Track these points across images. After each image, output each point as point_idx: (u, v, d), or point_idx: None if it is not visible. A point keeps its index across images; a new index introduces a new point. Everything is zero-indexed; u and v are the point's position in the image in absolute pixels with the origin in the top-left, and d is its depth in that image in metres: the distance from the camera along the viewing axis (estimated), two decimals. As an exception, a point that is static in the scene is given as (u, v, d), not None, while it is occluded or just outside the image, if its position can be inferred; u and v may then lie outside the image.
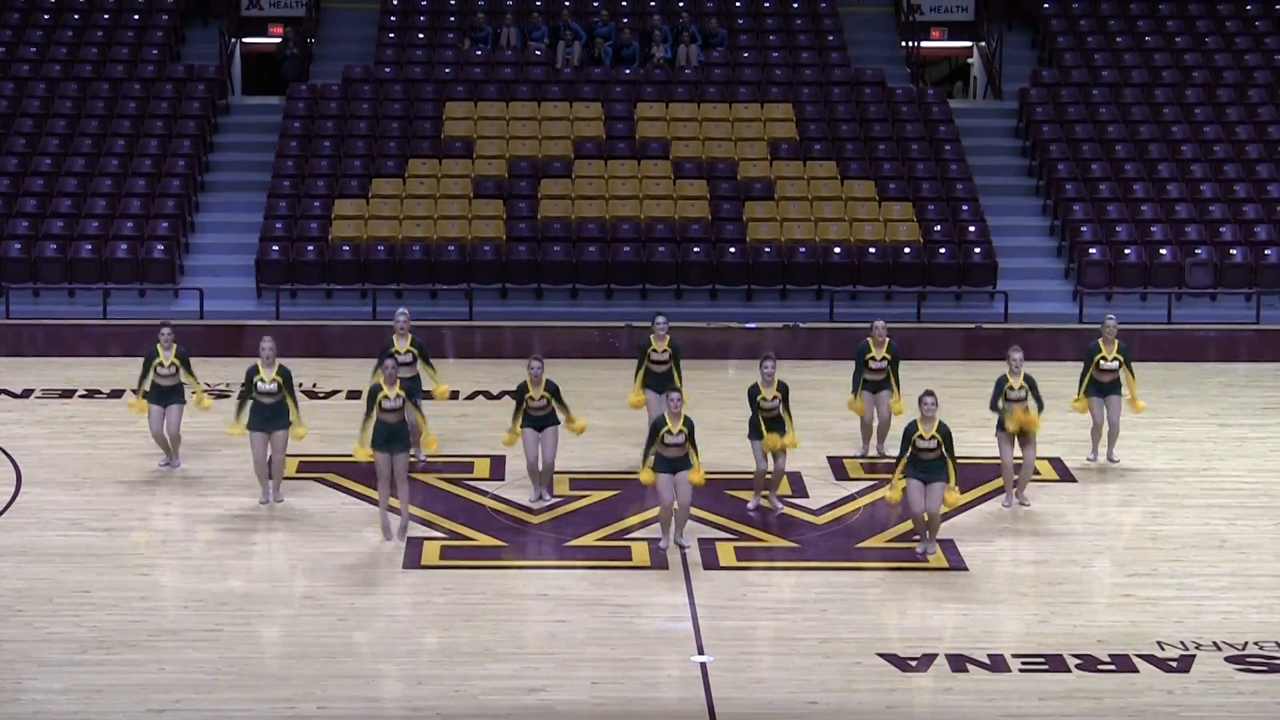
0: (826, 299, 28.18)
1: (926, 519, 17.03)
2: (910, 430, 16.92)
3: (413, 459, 18.55)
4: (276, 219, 29.11)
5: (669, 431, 16.84)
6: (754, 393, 18.03)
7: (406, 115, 31.28)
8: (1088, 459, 19.80)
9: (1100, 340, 19.56)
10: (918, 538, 17.06)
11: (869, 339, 19.61)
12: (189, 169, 30.18)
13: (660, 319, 19.40)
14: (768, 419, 17.93)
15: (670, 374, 19.25)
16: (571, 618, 15.35)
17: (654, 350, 19.28)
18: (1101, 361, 19.52)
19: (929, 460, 16.83)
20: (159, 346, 19.01)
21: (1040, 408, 18.29)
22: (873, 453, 19.94)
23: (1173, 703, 13.83)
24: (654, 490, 17.16)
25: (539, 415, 18.14)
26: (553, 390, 18.13)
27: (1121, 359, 19.53)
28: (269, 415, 18.16)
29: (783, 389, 18.01)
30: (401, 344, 19.13)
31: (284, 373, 18.25)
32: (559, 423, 18.26)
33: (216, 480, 18.93)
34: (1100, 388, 19.65)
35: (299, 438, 18.39)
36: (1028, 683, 14.15)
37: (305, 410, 19.52)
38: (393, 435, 17.13)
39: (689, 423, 16.92)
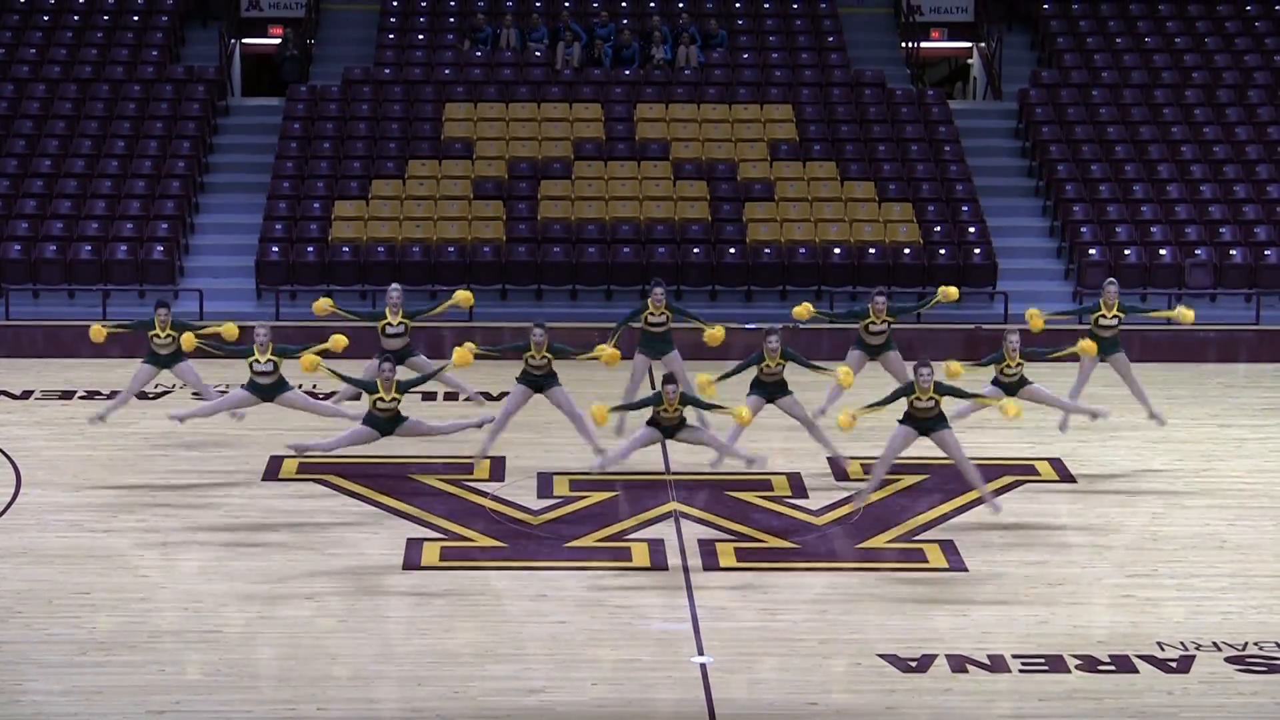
0: (826, 300, 28.19)
1: (962, 477, 17.41)
2: (906, 390, 17.11)
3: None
4: (276, 220, 29.11)
5: (664, 409, 17.27)
6: (757, 359, 18.20)
7: (406, 116, 31.28)
8: (1095, 414, 19.64)
9: (1101, 301, 19.68)
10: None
11: (869, 305, 19.55)
12: (189, 170, 30.19)
13: (659, 290, 19.45)
14: (770, 383, 18.19)
15: (669, 335, 19.33)
16: (571, 619, 15.32)
17: (650, 313, 19.37)
18: (1101, 319, 19.62)
19: (928, 417, 17.05)
20: (155, 320, 19.38)
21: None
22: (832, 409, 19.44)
23: (1173, 703, 13.80)
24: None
25: (539, 375, 18.55)
26: (556, 350, 18.45)
27: (1123, 315, 19.59)
28: (264, 388, 18.62)
29: (787, 355, 18.23)
30: (394, 317, 19.63)
31: (280, 351, 18.58)
32: (560, 384, 18.58)
33: (216, 481, 18.92)
34: (1100, 344, 19.64)
35: (343, 345, 18.82)
36: (1028, 683, 14.12)
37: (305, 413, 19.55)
38: (389, 426, 17.94)
39: (684, 397, 17.36)
